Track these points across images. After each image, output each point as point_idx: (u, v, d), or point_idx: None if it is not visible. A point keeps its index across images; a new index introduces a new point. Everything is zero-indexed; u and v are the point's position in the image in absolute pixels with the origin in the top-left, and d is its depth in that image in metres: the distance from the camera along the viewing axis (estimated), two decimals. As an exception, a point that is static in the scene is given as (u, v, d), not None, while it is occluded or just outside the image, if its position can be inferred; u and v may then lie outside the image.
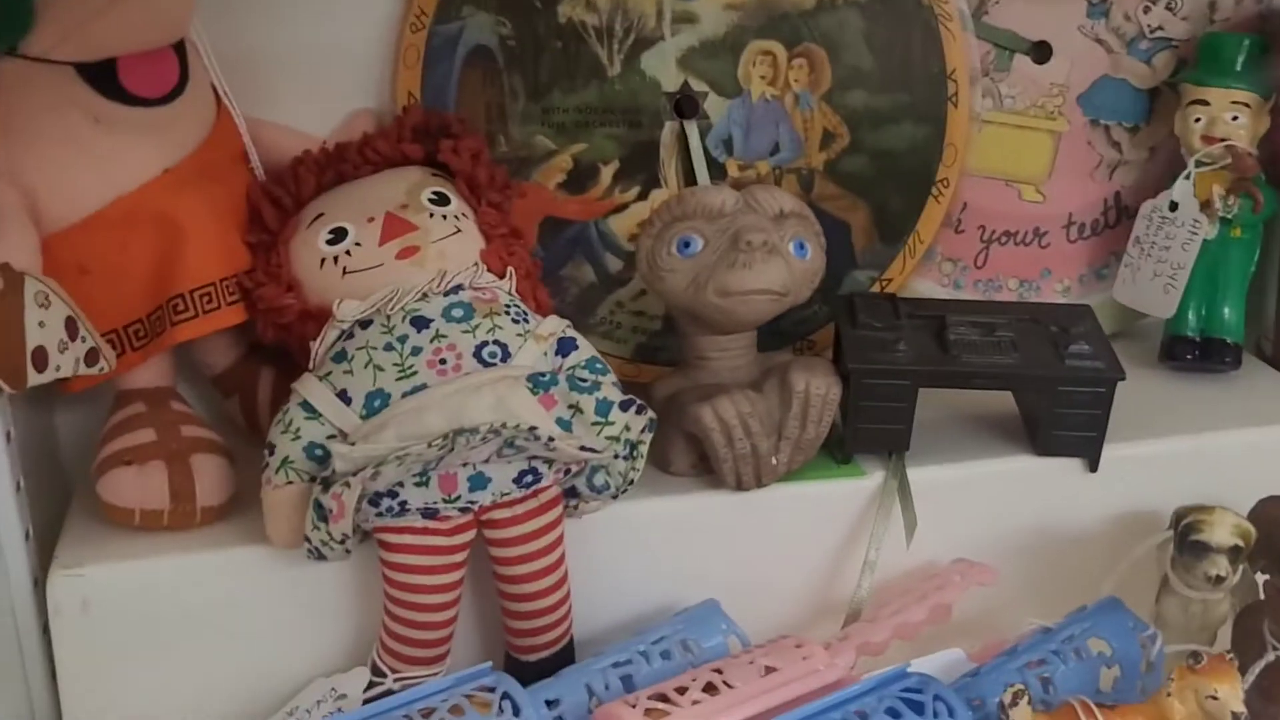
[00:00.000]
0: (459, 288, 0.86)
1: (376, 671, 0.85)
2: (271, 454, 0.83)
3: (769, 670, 0.80)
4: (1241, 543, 0.82)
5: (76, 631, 0.84)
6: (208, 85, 0.92)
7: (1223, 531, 0.82)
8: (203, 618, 0.86)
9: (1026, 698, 0.75)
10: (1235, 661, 0.74)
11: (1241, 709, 0.72)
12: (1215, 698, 0.73)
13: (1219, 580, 0.82)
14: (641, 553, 0.90)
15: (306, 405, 0.83)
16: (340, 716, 0.77)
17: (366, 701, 0.84)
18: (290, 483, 0.82)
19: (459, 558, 0.83)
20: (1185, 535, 0.83)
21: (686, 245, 0.88)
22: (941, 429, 0.96)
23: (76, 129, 0.86)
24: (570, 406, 0.84)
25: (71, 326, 0.81)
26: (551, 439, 0.80)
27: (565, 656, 0.87)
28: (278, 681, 0.87)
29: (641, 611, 0.90)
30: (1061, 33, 1.04)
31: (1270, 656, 0.77)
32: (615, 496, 0.86)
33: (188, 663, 0.86)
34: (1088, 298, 1.08)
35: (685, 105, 1.00)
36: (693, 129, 1.00)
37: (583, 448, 0.82)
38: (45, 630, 0.85)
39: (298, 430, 0.83)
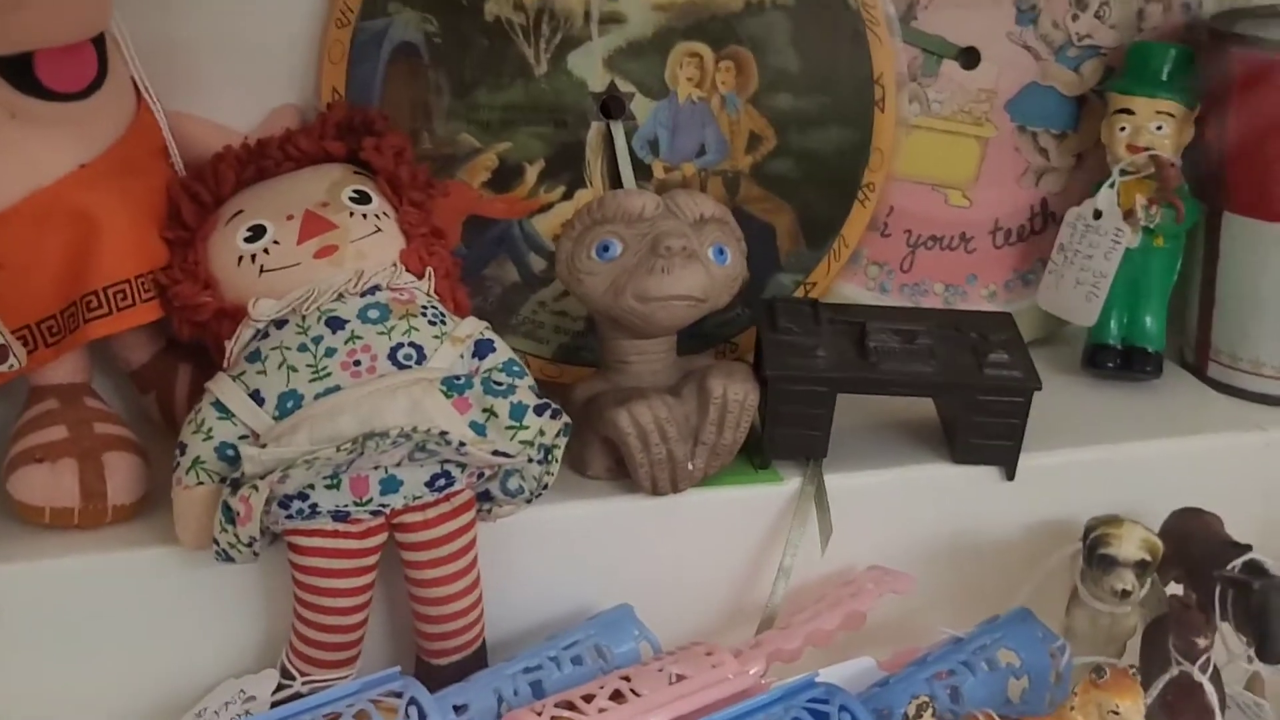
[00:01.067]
0: (376, 288, 0.86)
1: (285, 674, 0.84)
2: (183, 454, 0.82)
3: (678, 678, 0.80)
4: (1149, 557, 0.83)
5: (-14, 631, 0.84)
6: (127, 78, 0.91)
7: (1130, 546, 0.83)
8: (113, 617, 0.85)
9: (931, 710, 0.75)
10: (1138, 676, 0.75)
11: (1140, 723, 0.73)
12: (1117, 713, 0.73)
13: (1125, 594, 0.82)
14: (557, 556, 0.90)
15: (219, 405, 0.83)
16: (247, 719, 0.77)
17: (275, 704, 0.83)
18: (201, 483, 0.82)
19: (369, 561, 0.83)
20: (1093, 548, 0.84)
21: (606, 249, 0.88)
22: (862, 435, 0.96)
23: (-9, 124, 0.85)
24: (485, 410, 0.83)
25: (-21, 323, 0.81)
26: (463, 444, 0.80)
27: (477, 660, 0.86)
28: (187, 682, 0.87)
29: (556, 614, 0.90)
30: (990, 39, 1.04)
31: (1174, 671, 0.78)
32: (529, 500, 0.86)
33: (97, 662, 0.86)
34: (1013, 303, 1.08)
35: (612, 106, 1.00)
36: (619, 129, 1.00)
37: (495, 452, 0.82)
38: (-48, 630, 0.85)
39: (209, 430, 0.82)
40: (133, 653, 0.86)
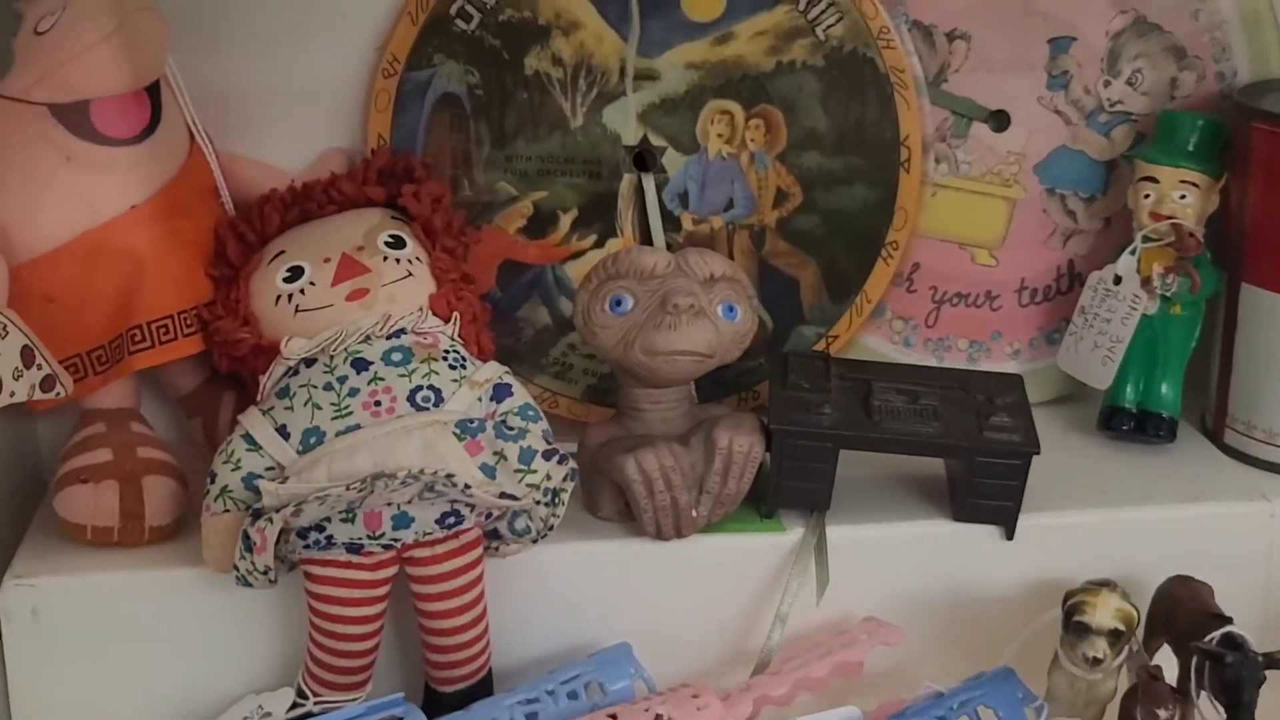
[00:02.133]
0: (401, 331, 0.90)
1: (301, 693, 0.89)
2: (212, 482, 0.88)
3: (661, 718, 0.83)
4: (1122, 627, 0.84)
5: (26, 638, 0.90)
6: (181, 122, 0.97)
7: (1104, 614, 0.85)
8: (144, 631, 0.91)
9: (900, 763, 0.78)
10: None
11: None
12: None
13: (1096, 662, 0.84)
14: (562, 593, 0.94)
15: (248, 438, 0.88)
16: (257, 736, 0.82)
17: (289, 721, 0.89)
18: (227, 510, 0.87)
19: (380, 592, 0.87)
20: (1070, 615, 0.86)
21: (618, 304, 0.92)
22: (867, 489, 0.98)
23: (48, 166, 0.91)
24: (495, 453, 0.88)
25: (28, 355, 0.87)
26: (469, 486, 0.84)
27: (482, 689, 0.91)
28: (210, 695, 0.92)
29: (559, 649, 0.94)
30: (1021, 103, 1.06)
31: (1140, 740, 0.80)
32: (535, 540, 0.90)
33: (128, 672, 0.92)
34: (1038, 362, 1.10)
35: (644, 159, 1.04)
36: (649, 182, 1.04)
37: (502, 494, 0.86)
38: (-1, 635, 0.91)
39: (238, 461, 0.87)
40: (161, 665, 0.92)
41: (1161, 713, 0.79)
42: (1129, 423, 1.05)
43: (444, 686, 0.90)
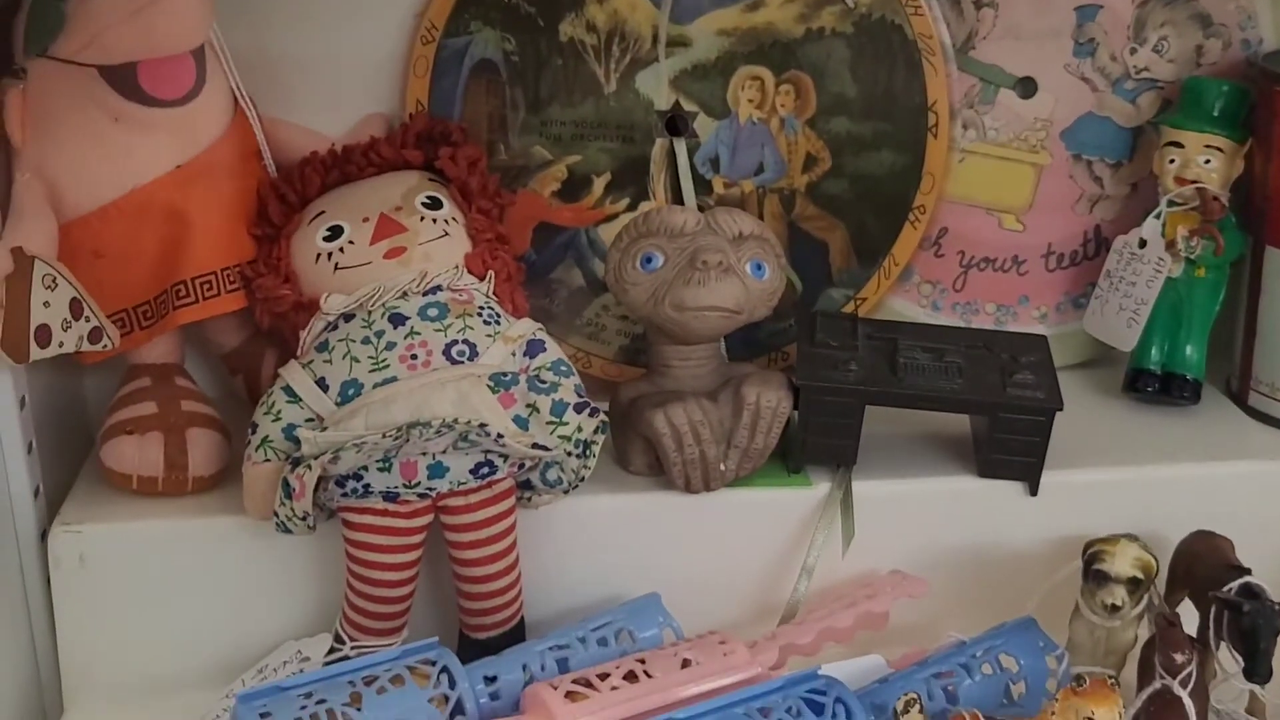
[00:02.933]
0: (438, 288, 0.93)
1: (338, 639, 0.92)
2: (254, 433, 0.90)
3: (690, 663, 0.85)
4: (1141, 575, 0.86)
5: (74, 584, 0.93)
6: (225, 87, 0.99)
7: (1123, 562, 0.86)
8: (187, 578, 0.94)
9: (918, 706, 0.80)
10: (1117, 687, 0.78)
11: (1116, 731, 0.77)
12: (1092, 719, 0.77)
13: (1114, 609, 0.86)
14: (593, 544, 0.96)
15: (289, 390, 0.90)
16: (297, 678, 0.84)
17: (326, 664, 0.91)
18: (268, 460, 0.90)
19: (416, 539, 0.90)
20: (1089, 564, 0.87)
21: (649, 261, 0.94)
22: (892, 445, 1.00)
23: (98, 126, 0.93)
24: (528, 405, 0.90)
25: (76, 307, 0.90)
26: (501, 436, 0.87)
27: (514, 636, 0.93)
28: (251, 640, 0.94)
29: (590, 599, 0.96)
30: (1047, 70, 1.08)
31: (1157, 685, 0.81)
32: (567, 491, 0.93)
33: (172, 618, 0.94)
34: (1064, 325, 1.12)
35: (676, 123, 1.06)
36: (681, 146, 1.06)
37: (534, 445, 0.89)
38: (47, 582, 0.93)
39: (279, 412, 0.90)
40: (203, 611, 0.94)
41: (1179, 657, 0.80)
42: (1154, 384, 1.07)
43: (477, 633, 0.93)
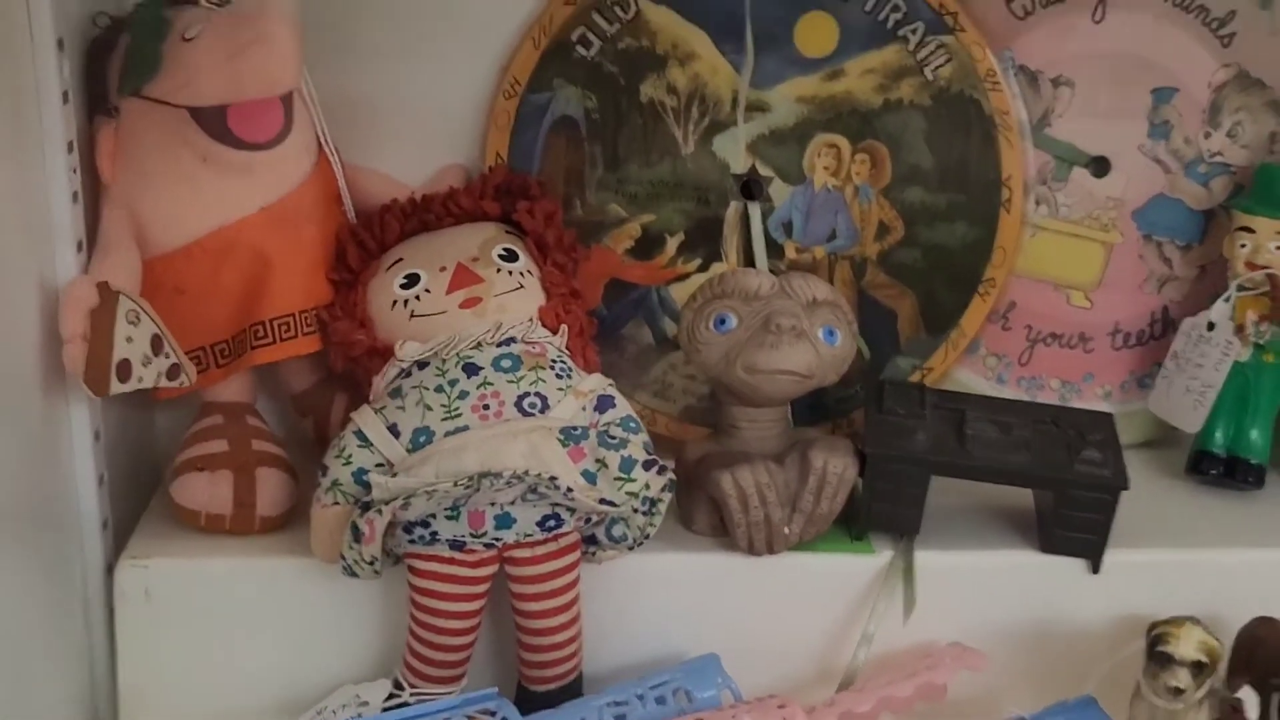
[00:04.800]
0: (511, 340, 0.93)
1: (398, 685, 0.92)
2: (324, 475, 0.91)
3: (748, 725, 0.86)
4: (1206, 659, 0.86)
5: (138, 617, 0.94)
6: (311, 132, 1.01)
7: (1188, 646, 0.86)
8: (250, 617, 0.95)
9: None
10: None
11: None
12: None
13: (1178, 692, 0.86)
14: (655, 602, 0.96)
15: (360, 434, 0.91)
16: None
17: (385, 710, 0.91)
18: (337, 503, 0.90)
19: (480, 589, 0.90)
20: (1153, 645, 0.87)
21: (723, 322, 0.95)
22: (957, 516, 1.00)
23: (186, 165, 0.95)
24: (597, 460, 0.91)
25: (157, 343, 0.91)
26: (570, 490, 0.87)
27: (573, 690, 0.93)
28: (310, 683, 0.95)
29: (649, 657, 0.96)
30: (1121, 150, 1.08)
31: (1219, 769, 0.82)
32: (631, 548, 0.93)
33: (233, 656, 0.95)
34: (1128, 404, 1.12)
35: (751, 187, 1.07)
36: (755, 210, 1.07)
37: (602, 500, 0.89)
38: (111, 614, 0.94)
39: (349, 456, 0.91)
40: (265, 651, 0.95)
41: (1243, 741, 0.80)
42: (1218, 468, 1.07)
43: (536, 685, 0.93)
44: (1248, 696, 0.91)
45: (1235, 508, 1.05)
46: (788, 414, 1.00)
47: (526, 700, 0.92)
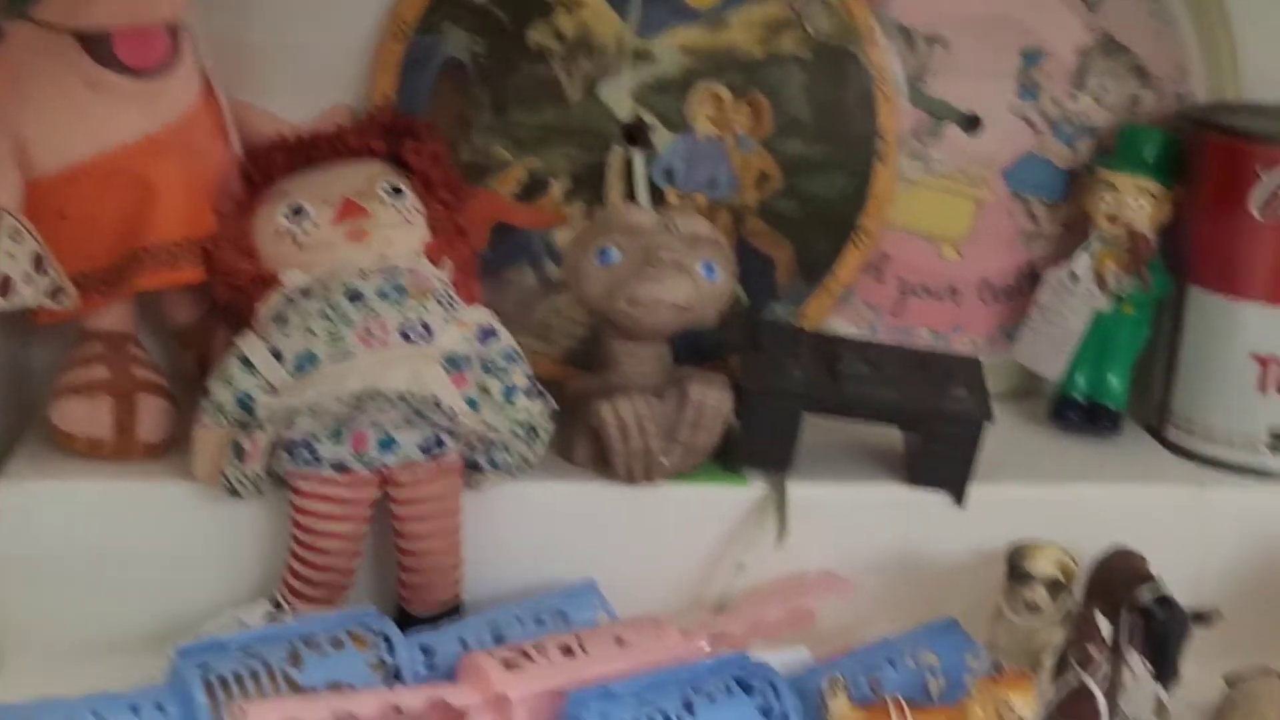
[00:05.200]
0: (397, 269, 0.95)
1: (276, 604, 0.93)
2: (207, 398, 0.92)
3: (623, 642, 0.88)
4: (1062, 576, 0.89)
5: (15, 539, 0.93)
6: (196, 66, 1.01)
7: (1045, 562, 0.90)
8: (130, 542, 0.95)
9: (844, 687, 0.82)
10: (1032, 676, 0.82)
11: (1031, 717, 0.80)
12: (1009, 706, 0.80)
13: (1035, 608, 0.89)
14: (535, 530, 0.98)
15: (244, 359, 0.91)
16: (237, 635, 0.85)
17: (265, 628, 0.92)
18: (219, 425, 0.91)
19: (361, 511, 0.92)
20: (1013, 563, 0.91)
21: (606, 255, 0.97)
22: (830, 452, 1.03)
23: (71, 90, 0.95)
24: (480, 387, 0.92)
25: (39, 262, 0.91)
26: (454, 411, 0.89)
27: (453, 616, 0.94)
28: (191, 608, 0.94)
29: (529, 583, 0.97)
30: (993, 108, 1.13)
31: (1072, 679, 0.85)
32: (513, 475, 0.95)
33: (113, 581, 0.95)
34: (994, 355, 1.16)
35: (635, 134, 1.09)
36: (639, 157, 1.09)
37: (484, 424, 0.91)
38: (-11, 537, 0.94)
39: (232, 379, 0.91)
40: (145, 575, 0.95)
41: (1093, 650, 0.84)
42: (1078, 413, 1.11)
43: (417, 609, 0.94)
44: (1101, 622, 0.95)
45: (1093, 449, 1.10)
46: (667, 352, 1.03)
47: (408, 625, 0.93)
